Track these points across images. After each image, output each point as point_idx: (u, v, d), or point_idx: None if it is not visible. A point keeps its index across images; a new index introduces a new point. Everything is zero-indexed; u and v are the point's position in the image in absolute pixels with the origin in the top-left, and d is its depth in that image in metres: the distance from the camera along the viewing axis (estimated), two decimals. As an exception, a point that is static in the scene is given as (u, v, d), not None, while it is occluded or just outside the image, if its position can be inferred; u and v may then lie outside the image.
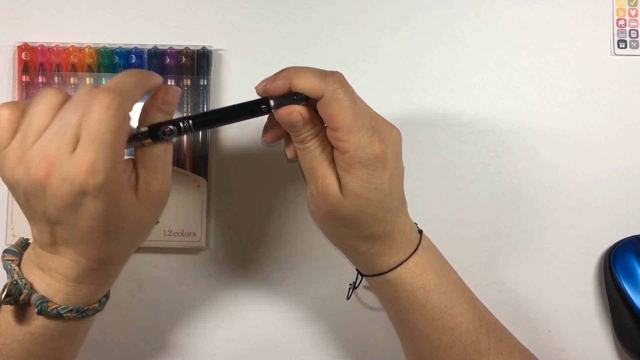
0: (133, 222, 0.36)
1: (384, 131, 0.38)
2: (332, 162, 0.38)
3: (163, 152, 0.38)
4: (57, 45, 0.51)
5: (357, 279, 0.44)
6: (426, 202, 0.52)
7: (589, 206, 0.52)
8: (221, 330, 0.51)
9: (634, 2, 0.53)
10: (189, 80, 0.51)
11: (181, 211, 0.50)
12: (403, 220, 0.41)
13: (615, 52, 0.53)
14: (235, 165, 0.52)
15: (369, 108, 0.39)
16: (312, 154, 0.38)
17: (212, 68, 0.52)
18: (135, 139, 0.37)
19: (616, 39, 0.53)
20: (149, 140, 0.38)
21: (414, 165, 0.52)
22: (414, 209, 0.52)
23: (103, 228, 0.35)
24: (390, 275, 0.40)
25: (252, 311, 0.51)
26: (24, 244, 0.40)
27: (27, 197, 0.34)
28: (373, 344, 0.51)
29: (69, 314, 0.37)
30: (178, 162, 0.51)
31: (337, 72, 0.37)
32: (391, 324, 0.45)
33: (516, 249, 0.52)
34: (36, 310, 0.36)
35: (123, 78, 0.36)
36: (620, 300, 0.49)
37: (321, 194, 0.38)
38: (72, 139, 0.33)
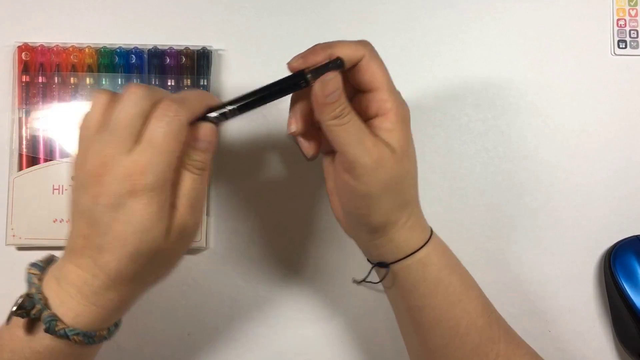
0: (158, 246, 0.36)
1: (403, 100, 0.40)
2: (370, 131, 0.38)
3: (197, 186, 0.37)
4: (57, 45, 0.51)
5: (385, 273, 0.43)
6: (426, 202, 0.52)
7: (589, 206, 0.52)
8: (221, 330, 0.51)
9: (634, 2, 0.53)
10: (189, 80, 0.51)
11: (181, 211, 0.50)
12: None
13: (615, 52, 0.53)
14: (235, 165, 0.52)
15: None
16: (355, 125, 0.37)
17: (212, 68, 0.52)
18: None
19: (616, 39, 0.53)
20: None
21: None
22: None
23: (133, 238, 0.35)
24: (421, 253, 0.40)
25: (253, 311, 0.51)
26: (50, 260, 0.40)
27: (78, 189, 0.36)
28: (378, 344, 0.51)
29: (75, 337, 0.36)
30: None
31: (365, 40, 0.39)
32: (401, 321, 0.44)
33: (516, 249, 0.52)
34: (44, 327, 0.36)
35: (187, 94, 0.37)
36: (620, 300, 0.49)
37: (378, 162, 0.37)
38: (132, 140, 0.34)
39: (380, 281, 0.43)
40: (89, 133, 0.36)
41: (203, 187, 0.38)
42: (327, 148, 0.41)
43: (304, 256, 0.52)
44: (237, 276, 0.52)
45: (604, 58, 0.53)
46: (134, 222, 0.34)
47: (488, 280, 0.51)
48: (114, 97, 0.36)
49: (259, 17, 0.53)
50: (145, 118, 0.35)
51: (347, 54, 0.38)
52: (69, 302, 0.36)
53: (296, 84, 0.37)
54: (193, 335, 0.51)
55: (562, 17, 0.53)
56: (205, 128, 0.37)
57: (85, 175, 0.35)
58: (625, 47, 0.53)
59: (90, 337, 0.37)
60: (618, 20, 0.53)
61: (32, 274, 0.38)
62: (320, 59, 0.37)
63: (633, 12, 0.53)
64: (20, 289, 0.51)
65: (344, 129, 0.37)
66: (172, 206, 0.36)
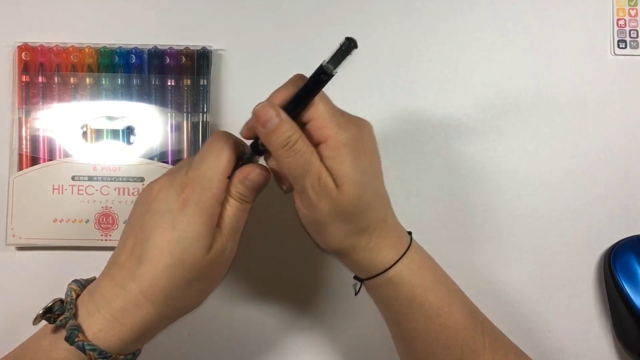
0: (197, 262, 0.37)
1: (354, 119, 0.39)
2: (320, 161, 0.38)
3: (239, 213, 0.39)
4: (57, 45, 0.51)
5: (358, 286, 0.44)
6: (426, 202, 0.52)
7: (589, 206, 0.52)
8: (221, 330, 0.51)
9: (634, 2, 0.53)
10: (189, 80, 0.51)
11: (181, 211, 0.50)
12: (391, 214, 0.42)
13: (615, 52, 0.53)
14: (235, 165, 0.52)
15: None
16: (302, 156, 0.37)
17: (212, 68, 0.52)
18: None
19: (616, 39, 0.53)
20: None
21: (414, 165, 0.52)
22: (414, 208, 0.52)
23: (175, 247, 0.36)
24: (390, 272, 0.40)
25: (253, 311, 0.51)
26: (91, 280, 0.40)
27: (136, 204, 0.40)
28: (374, 345, 0.51)
29: (91, 353, 0.36)
30: (178, 162, 0.50)
31: (295, 75, 0.39)
32: (389, 329, 0.45)
33: (516, 249, 0.52)
34: (65, 335, 0.36)
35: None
36: (620, 300, 0.49)
37: (322, 193, 0.37)
38: (187, 163, 0.39)
39: (356, 294, 0.45)
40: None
41: (245, 216, 0.40)
42: None
43: (304, 256, 0.52)
44: (237, 276, 0.51)
45: (604, 58, 0.53)
46: (178, 229, 0.36)
47: (488, 280, 0.52)
48: None
49: (259, 17, 0.53)
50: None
51: (281, 100, 0.37)
52: (96, 315, 0.37)
53: (320, 80, 0.37)
54: (193, 335, 0.51)
55: (562, 17, 0.53)
56: (255, 172, 0.39)
57: (146, 186, 0.39)
58: (625, 47, 0.53)
59: (105, 357, 0.36)
60: (618, 20, 0.53)
61: (72, 288, 0.39)
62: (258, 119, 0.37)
63: (633, 12, 0.53)
64: (20, 288, 0.51)
65: (290, 161, 0.37)
66: (217, 226, 0.38)
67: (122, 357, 0.38)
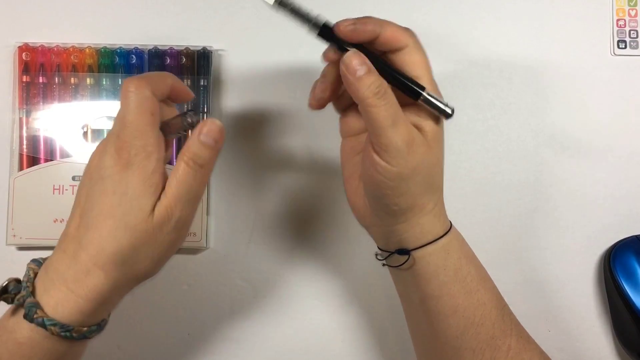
0: (135, 222, 0.36)
1: None
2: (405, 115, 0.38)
3: (191, 180, 0.38)
4: (58, 45, 0.51)
5: (407, 258, 0.41)
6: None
7: (589, 206, 0.52)
8: (221, 330, 0.51)
9: (633, 2, 0.53)
10: (189, 80, 0.51)
11: (181, 211, 0.50)
12: None
13: (615, 52, 0.53)
14: (235, 164, 0.52)
15: None
16: (391, 106, 0.37)
17: (212, 68, 0.52)
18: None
19: (616, 39, 0.53)
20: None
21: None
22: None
23: (117, 210, 0.36)
24: (445, 240, 0.40)
25: (253, 311, 0.51)
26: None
27: (82, 178, 0.39)
28: (379, 349, 0.51)
29: (52, 328, 0.36)
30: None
31: (410, 30, 0.40)
32: (413, 312, 0.44)
33: (516, 249, 0.52)
34: (24, 313, 0.36)
35: (149, 74, 0.40)
36: (620, 300, 0.49)
37: (411, 146, 0.37)
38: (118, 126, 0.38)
39: (400, 265, 0.41)
40: None
41: (198, 183, 0.38)
42: (343, 105, 0.42)
43: (304, 256, 0.52)
44: (237, 276, 0.52)
45: (604, 58, 0.53)
46: (119, 192, 0.36)
47: (488, 280, 0.52)
48: None
49: (259, 17, 0.53)
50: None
51: (391, 37, 0.38)
52: (51, 290, 0.36)
53: (412, 89, 0.38)
54: (193, 335, 0.51)
55: (562, 17, 0.54)
56: (212, 124, 0.38)
57: (88, 162, 0.39)
58: (625, 47, 0.53)
59: (67, 331, 0.36)
60: (618, 20, 0.53)
61: (30, 267, 0.38)
62: (369, 28, 0.39)
63: (633, 12, 0.53)
64: (20, 288, 0.50)
65: (381, 109, 0.36)
66: (163, 190, 0.37)
67: (85, 329, 0.37)
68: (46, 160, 0.50)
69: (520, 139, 0.53)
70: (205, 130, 0.38)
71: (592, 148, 0.53)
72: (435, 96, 0.38)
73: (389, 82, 0.37)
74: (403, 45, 0.38)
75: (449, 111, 0.38)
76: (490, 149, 0.53)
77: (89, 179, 0.38)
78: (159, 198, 0.37)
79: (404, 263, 0.41)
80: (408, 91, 0.38)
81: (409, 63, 0.38)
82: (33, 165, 0.50)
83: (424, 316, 0.42)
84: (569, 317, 0.52)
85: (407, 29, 0.39)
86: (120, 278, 0.37)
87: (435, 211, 0.40)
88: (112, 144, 0.37)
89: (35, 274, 0.38)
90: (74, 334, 0.36)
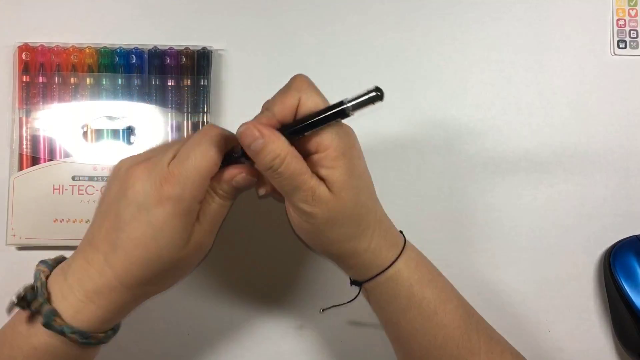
0: (169, 256, 0.37)
1: (341, 125, 0.38)
2: (311, 175, 0.37)
3: (221, 210, 0.39)
4: (58, 45, 0.51)
5: (358, 291, 0.43)
6: (426, 201, 0.52)
7: (589, 206, 0.52)
8: (221, 330, 0.51)
9: (633, 2, 0.53)
10: (189, 80, 0.51)
11: (181, 211, 0.50)
12: (384, 213, 0.42)
13: (615, 52, 0.53)
14: (236, 165, 0.52)
15: None
16: (290, 172, 0.36)
17: (212, 68, 0.52)
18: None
19: (616, 39, 0.53)
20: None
21: (414, 165, 0.52)
22: (415, 208, 0.52)
23: (150, 243, 0.36)
24: (390, 271, 0.40)
25: (252, 311, 0.51)
26: (59, 260, 0.40)
27: (112, 180, 0.38)
28: (380, 348, 0.51)
29: (72, 335, 0.36)
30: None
31: (300, 75, 0.38)
32: (385, 330, 0.45)
33: (516, 249, 0.52)
34: (42, 321, 0.36)
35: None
36: (620, 300, 0.49)
37: (317, 203, 0.37)
38: (173, 153, 0.37)
39: (350, 301, 0.43)
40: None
41: (224, 212, 0.39)
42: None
43: (304, 256, 0.52)
44: (237, 276, 0.52)
45: (604, 58, 0.53)
46: (155, 226, 0.36)
47: (488, 280, 0.52)
48: None
49: (259, 17, 0.53)
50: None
51: (282, 110, 0.37)
52: (71, 298, 0.37)
53: (336, 115, 0.36)
54: (193, 335, 0.51)
55: (562, 17, 0.54)
56: (241, 177, 0.39)
57: (124, 167, 0.37)
58: (625, 47, 0.53)
59: (86, 338, 0.37)
60: (618, 20, 0.53)
61: (40, 270, 0.38)
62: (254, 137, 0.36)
63: (633, 12, 0.53)
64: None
65: (279, 180, 0.37)
66: (197, 220, 0.37)
67: (102, 334, 0.38)
68: (46, 160, 0.50)
69: (520, 139, 0.53)
70: (237, 179, 0.39)
71: (592, 148, 0.53)
72: (354, 97, 0.36)
73: (311, 127, 0.36)
74: (294, 106, 0.37)
75: (378, 93, 0.36)
76: (490, 149, 0.53)
77: (123, 194, 0.36)
78: (193, 229, 0.37)
79: (356, 296, 0.43)
80: (335, 117, 0.36)
81: (300, 114, 0.37)
82: (33, 165, 0.50)
83: (391, 336, 0.44)
84: (569, 317, 0.52)
85: (291, 86, 0.38)
86: (143, 294, 0.39)
87: (372, 248, 0.40)
88: (159, 173, 0.36)
89: (47, 277, 0.38)
90: (92, 340, 0.37)
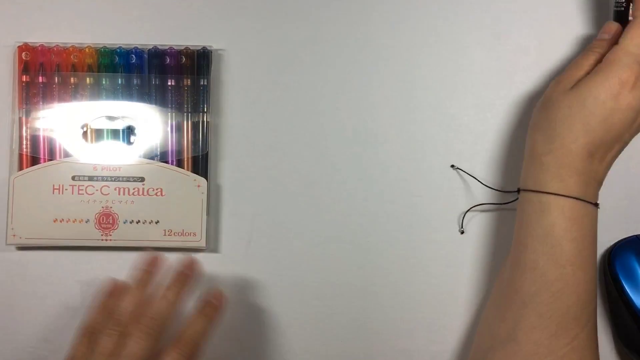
0: None
1: None
2: None
3: None
4: (57, 45, 0.51)
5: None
6: (426, 201, 0.52)
7: (589, 206, 0.52)
8: (221, 330, 0.51)
9: (633, 2, 0.53)
10: (189, 80, 0.51)
11: (181, 211, 0.50)
12: None
13: (615, 52, 0.53)
14: (236, 164, 0.52)
15: None
16: None
17: (212, 68, 0.52)
18: None
19: None
20: None
21: (414, 165, 0.52)
22: (415, 208, 0.52)
23: None
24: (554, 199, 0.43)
25: (252, 311, 0.51)
26: None
27: None
28: (382, 347, 0.51)
29: None
30: (179, 162, 0.51)
31: None
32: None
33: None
34: None
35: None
36: (620, 300, 0.49)
37: None
38: None
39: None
40: None
41: None
42: None
43: (305, 256, 0.52)
44: (237, 276, 0.51)
45: (604, 58, 0.53)
46: None
47: (488, 280, 0.52)
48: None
49: (259, 17, 0.53)
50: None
51: None
52: None
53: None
54: (193, 335, 0.51)
55: (562, 17, 0.53)
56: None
57: None
58: (625, 47, 0.53)
59: None
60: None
61: None
62: None
63: (633, 12, 0.53)
64: (20, 288, 0.51)
65: None
66: None
67: None
68: (46, 160, 0.50)
69: (520, 138, 0.53)
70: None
71: (592, 148, 0.53)
72: None
73: None
74: None
75: None
76: (490, 149, 0.53)
77: None
78: None
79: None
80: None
81: None
82: (33, 165, 0.50)
83: (510, 258, 0.45)
84: (569, 317, 0.51)
85: None
86: None
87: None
88: None
89: None
90: None
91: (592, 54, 0.47)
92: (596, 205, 0.43)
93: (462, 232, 0.51)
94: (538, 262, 0.42)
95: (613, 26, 0.47)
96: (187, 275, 0.45)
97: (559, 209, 0.42)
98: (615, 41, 0.45)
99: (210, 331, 0.45)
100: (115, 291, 0.45)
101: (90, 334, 0.43)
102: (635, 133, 0.44)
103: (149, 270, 0.45)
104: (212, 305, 0.45)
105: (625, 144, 0.44)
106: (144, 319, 0.42)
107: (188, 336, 0.43)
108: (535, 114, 0.46)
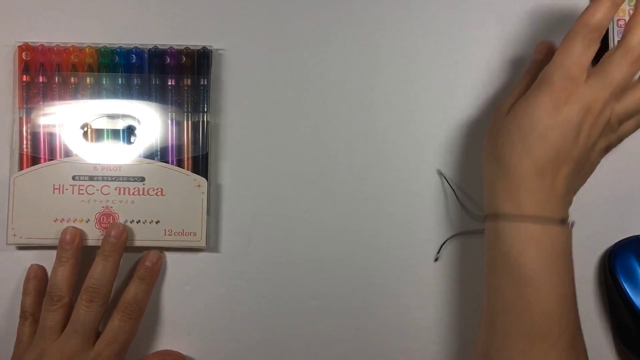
0: None
1: None
2: None
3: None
4: (58, 44, 0.51)
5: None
6: (426, 201, 0.52)
7: (589, 206, 0.52)
8: (221, 330, 0.51)
9: (633, 2, 0.53)
10: (189, 80, 0.51)
11: (181, 211, 0.50)
12: None
13: (615, 52, 0.53)
14: (236, 164, 0.52)
15: None
16: None
17: (213, 68, 0.52)
18: None
19: (616, 39, 0.53)
20: None
21: (413, 164, 0.52)
22: (414, 208, 0.52)
23: None
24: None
25: (253, 311, 0.51)
26: None
27: None
28: (382, 348, 0.51)
29: None
30: (179, 162, 0.51)
31: None
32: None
33: (516, 248, 0.52)
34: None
35: None
36: (620, 300, 0.49)
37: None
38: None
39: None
40: None
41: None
42: None
43: (305, 256, 0.52)
44: (237, 276, 0.52)
45: (604, 58, 0.53)
46: None
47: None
48: None
49: (259, 17, 0.53)
50: None
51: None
52: None
53: None
54: (193, 335, 0.51)
55: (562, 17, 0.54)
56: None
57: None
58: (625, 47, 0.53)
59: None
60: (618, 20, 0.53)
61: None
62: None
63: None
64: (20, 288, 0.51)
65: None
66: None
67: None
68: (46, 160, 0.50)
69: (520, 139, 0.53)
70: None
71: (592, 148, 0.53)
72: None
73: None
74: None
75: None
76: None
77: None
78: None
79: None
80: None
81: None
82: (33, 164, 0.50)
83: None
84: (569, 317, 0.52)
85: None
86: None
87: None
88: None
89: None
90: None
91: (527, 76, 0.47)
92: (562, 221, 0.42)
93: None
94: (500, 283, 0.42)
95: (545, 45, 0.48)
96: (115, 244, 0.48)
97: (514, 231, 0.42)
98: (549, 60, 0.44)
99: (149, 292, 0.49)
100: (38, 274, 0.49)
101: (31, 315, 0.48)
102: (589, 149, 0.43)
103: (71, 248, 0.48)
104: (147, 268, 0.49)
105: (581, 161, 0.43)
106: (87, 288, 0.47)
107: (129, 299, 0.48)
108: (484, 145, 0.46)
